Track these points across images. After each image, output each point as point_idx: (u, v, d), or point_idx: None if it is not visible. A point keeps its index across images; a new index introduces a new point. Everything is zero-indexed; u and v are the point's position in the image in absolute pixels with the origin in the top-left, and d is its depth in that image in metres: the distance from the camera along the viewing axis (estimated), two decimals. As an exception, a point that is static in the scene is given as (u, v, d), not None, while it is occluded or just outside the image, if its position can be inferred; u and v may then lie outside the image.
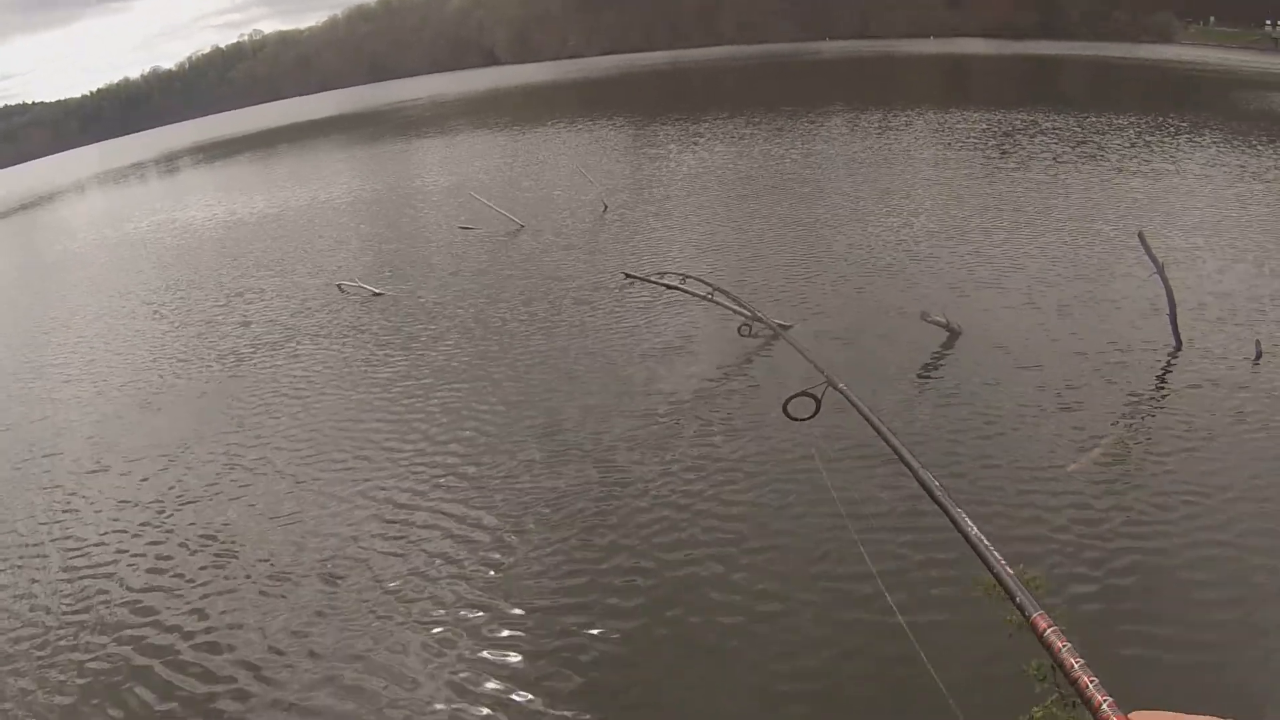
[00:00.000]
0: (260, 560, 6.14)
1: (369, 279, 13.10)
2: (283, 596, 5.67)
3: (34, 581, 6.34)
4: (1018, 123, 20.91)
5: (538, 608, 5.17)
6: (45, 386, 10.73)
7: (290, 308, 12.52)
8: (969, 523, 1.07)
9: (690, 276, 9.58)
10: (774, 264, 11.78)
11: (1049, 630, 0.82)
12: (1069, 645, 0.80)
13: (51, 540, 6.91)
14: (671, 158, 22.01)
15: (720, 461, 6.69)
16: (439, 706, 4.54)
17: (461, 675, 4.75)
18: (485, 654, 4.89)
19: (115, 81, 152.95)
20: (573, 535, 5.86)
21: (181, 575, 6.10)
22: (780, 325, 9.06)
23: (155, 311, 13.46)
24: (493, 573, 5.56)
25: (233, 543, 6.42)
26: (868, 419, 1.70)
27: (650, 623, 5.01)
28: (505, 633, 5.01)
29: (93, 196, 38.56)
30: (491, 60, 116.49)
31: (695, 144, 23.73)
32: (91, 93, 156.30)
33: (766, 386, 7.96)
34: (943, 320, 8.34)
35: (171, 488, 7.44)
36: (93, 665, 5.30)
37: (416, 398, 8.46)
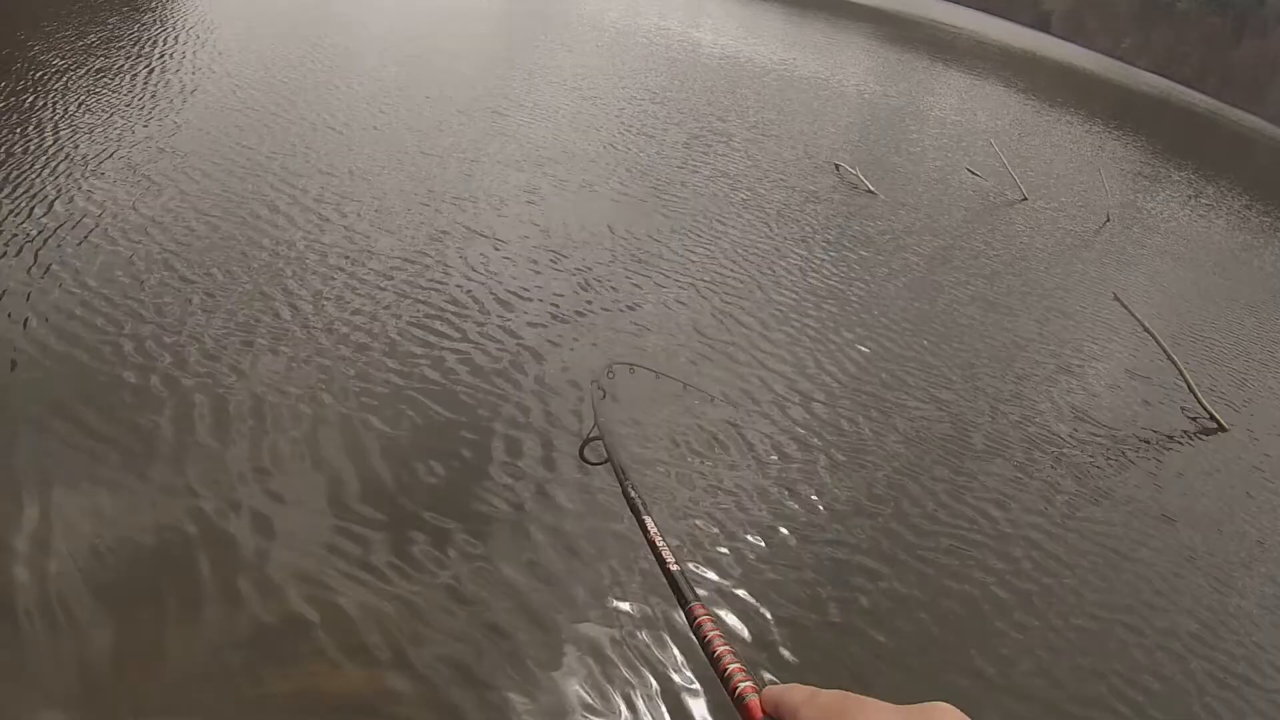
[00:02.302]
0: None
1: (865, 174, 12.49)
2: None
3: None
4: None
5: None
6: (476, 128, 10.06)
7: (765, 168, 11.79)
8: (650, 520, 1.12)
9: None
10: (1250, 367, 10.05)
11: (702, 616, 0.85)
12: (718, 632, 0.81)
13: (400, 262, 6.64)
14: (1175, 203, 19.51)
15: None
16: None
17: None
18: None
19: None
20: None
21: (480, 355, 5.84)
22: (1220, 423, 7.92)
23: (619, 114, 12.63)
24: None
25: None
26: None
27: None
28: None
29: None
30: (1043, 25, 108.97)
31: (1197, 204, 20.70)
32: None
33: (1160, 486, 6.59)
34: None
35: (532, 276, 6.68)
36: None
37: (827, 317, 7.58)
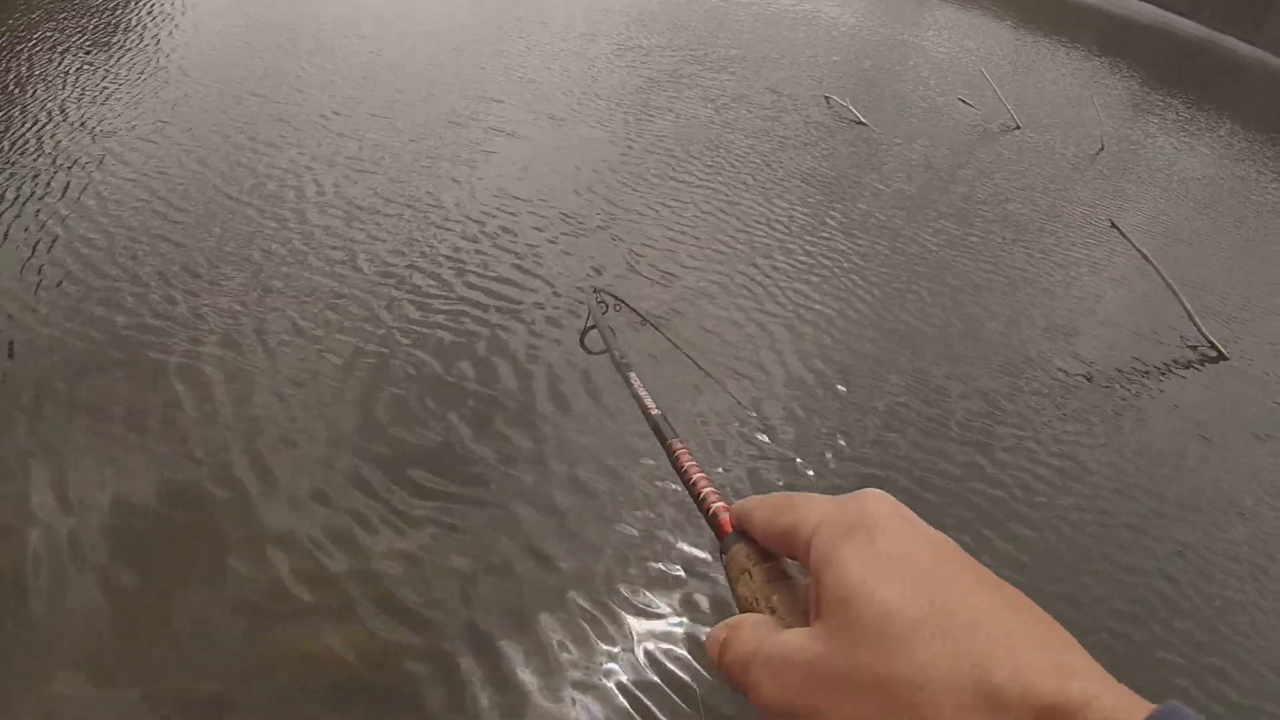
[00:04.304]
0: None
1: (855, 105, 12.20)
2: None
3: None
4: None
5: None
6: (476, 80, 9.82)
7: (752, 101, 11.59)
8: (634, 376, 1.15)
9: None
10: (1249, 294, 9.73)
11: (680, 450, 0.85)
12: (695, 463, 0.82)
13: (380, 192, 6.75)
14: (1170, 133, 18.86)
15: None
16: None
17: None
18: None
19: None
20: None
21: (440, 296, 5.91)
22: (1221, 351, 7.74)
23: (614, 50, 12.44)
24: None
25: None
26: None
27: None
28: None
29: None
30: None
31: (1192, 133, 19.86)
32: None
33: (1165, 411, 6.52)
34: None
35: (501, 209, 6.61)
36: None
37: (818, 252, 7.34)
